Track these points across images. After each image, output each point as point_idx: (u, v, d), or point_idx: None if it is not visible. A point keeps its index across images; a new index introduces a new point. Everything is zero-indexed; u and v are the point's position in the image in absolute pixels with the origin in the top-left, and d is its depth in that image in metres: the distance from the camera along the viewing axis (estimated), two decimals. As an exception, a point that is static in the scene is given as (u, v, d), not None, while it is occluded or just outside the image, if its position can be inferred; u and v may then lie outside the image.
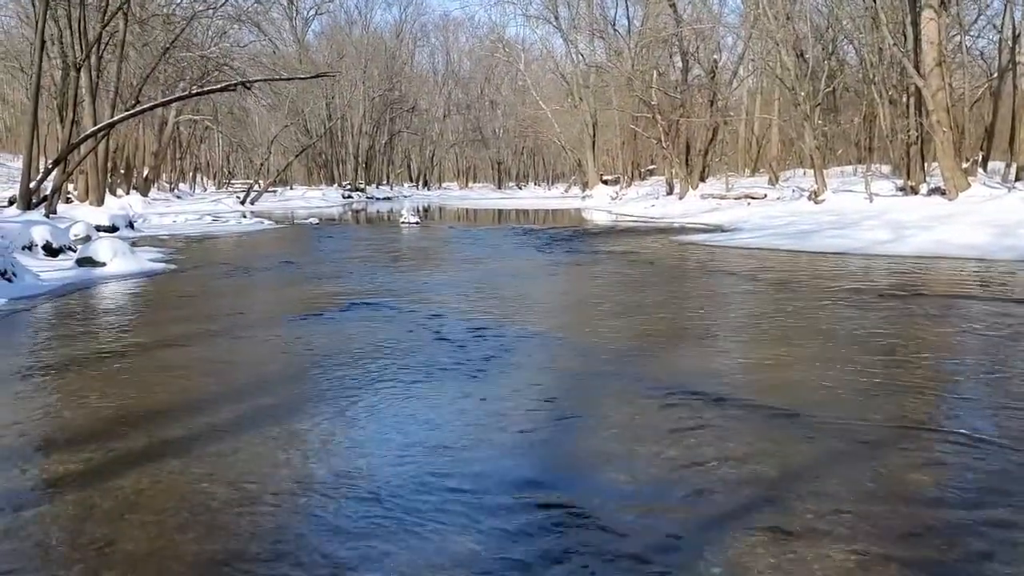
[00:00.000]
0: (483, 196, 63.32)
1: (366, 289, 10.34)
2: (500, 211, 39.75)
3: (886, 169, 28.65)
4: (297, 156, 53.51)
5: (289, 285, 11.44)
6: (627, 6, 43.92)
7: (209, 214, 29.47)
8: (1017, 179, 22.48)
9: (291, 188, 56.48)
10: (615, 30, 44.23)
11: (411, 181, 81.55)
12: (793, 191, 27.24)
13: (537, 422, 4.61)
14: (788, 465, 3.91)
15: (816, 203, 23.70)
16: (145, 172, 38.98)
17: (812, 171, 26.09)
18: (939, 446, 4.19)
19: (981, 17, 30.75)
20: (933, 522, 3.26)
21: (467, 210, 41.85)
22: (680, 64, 37.46)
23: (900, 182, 23.89)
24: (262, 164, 47.72)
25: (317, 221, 29.10)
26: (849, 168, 32.70)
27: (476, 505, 3.45)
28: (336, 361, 6.13)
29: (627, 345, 6.85)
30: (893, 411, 4.78)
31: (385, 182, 72.11)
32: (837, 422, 4.51)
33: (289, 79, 30.43)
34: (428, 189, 77.71)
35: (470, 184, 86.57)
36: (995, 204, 18.25)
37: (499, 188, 77.82)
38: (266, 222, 27.19)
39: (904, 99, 24.82)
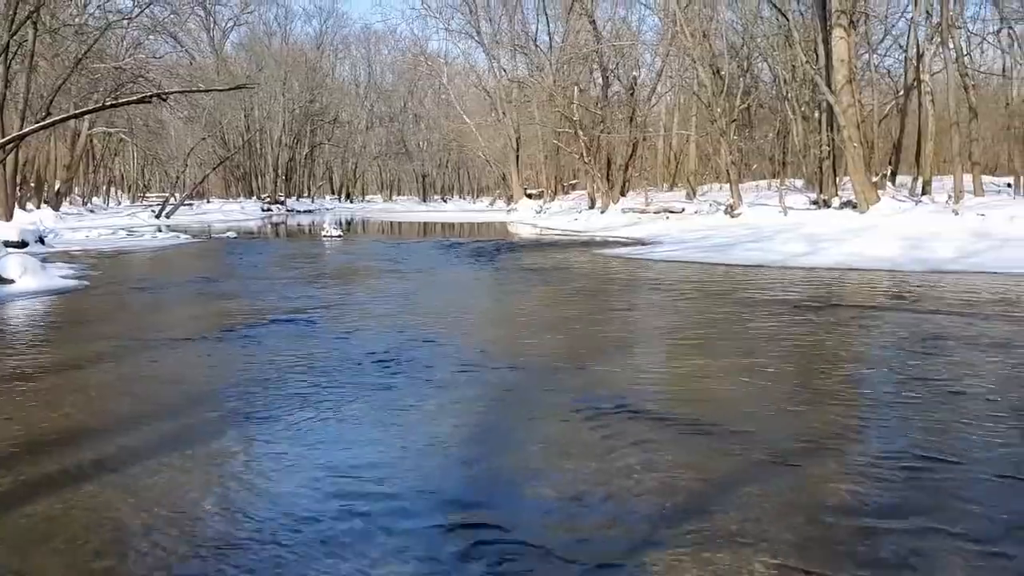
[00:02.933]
0: (407, 209, 63.03)
1: (286, 305, 10.16)
2: (425, 224, 39.62)
3: (799, 183, 29.50)
4: (215, 169, 52.50)
5: (206, 302, 11.17)
6: (548, 22, 44.37)
7: (123, 228, 28.70)
8: (923, 192, 23.39)
9: (208, 201, 55.33)
10: (536, 46, 44.61)
11: (333, 194, 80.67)
12: (710, 205, 27.82)
13: (460, 439, 4.59)
14: (710, 477, 3.97)
15: (733, 217, 24.25)
16: (57, 186, 37.68)
17: (728, 185, 26.70)
18: (856, 457, 4.30)
19: (888, 36, 32.02)
20: (851, 532, 3.34)
21: (391, 223, 41.59)
22: (600, 80, 38.00)
23: (813, 196, 24.63)
24: (178, 177, 46.70)
25: (235, 235, 28.54)
26: (764, 182, 33.59)
27: (398, 528, 3.40)
28: (254, 380, 6.01)
29: (552, 359, 6.87)
30: (811, 422, 4.89)
31: (306, 195, 71.20)
32: (757, 433, 4.59)
33: (206, 91, 29.79)
34: (351, 202, 76.99)
35: (394, 197, 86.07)
36: (904, 217, 18.97)
37: (424, 201, 77.58)
38: (182, 236, 26.56)
39: (816, 115, 25.65)
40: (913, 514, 3.49)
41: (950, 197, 20.19)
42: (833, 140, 23.29)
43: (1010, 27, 25.70)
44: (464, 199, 76.73)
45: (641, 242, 21.49)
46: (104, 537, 3.31)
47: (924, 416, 5.00)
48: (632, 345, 7.64)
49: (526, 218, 39.00)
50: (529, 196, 47.34)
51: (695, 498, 3.69)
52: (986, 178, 25.46)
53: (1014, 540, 3.23)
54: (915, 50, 25.75)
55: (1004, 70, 28.66)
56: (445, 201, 75.81)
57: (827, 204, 22.99)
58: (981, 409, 5.10)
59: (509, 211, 46.24)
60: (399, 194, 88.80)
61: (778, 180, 30.34)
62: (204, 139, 46.51)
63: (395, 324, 8.57)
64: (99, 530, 3.37)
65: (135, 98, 23.31)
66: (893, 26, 31.73)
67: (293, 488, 3.85)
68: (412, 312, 9.63)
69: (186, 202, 44.87)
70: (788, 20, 24.49)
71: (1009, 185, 25.35)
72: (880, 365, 6.62)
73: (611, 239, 23.39)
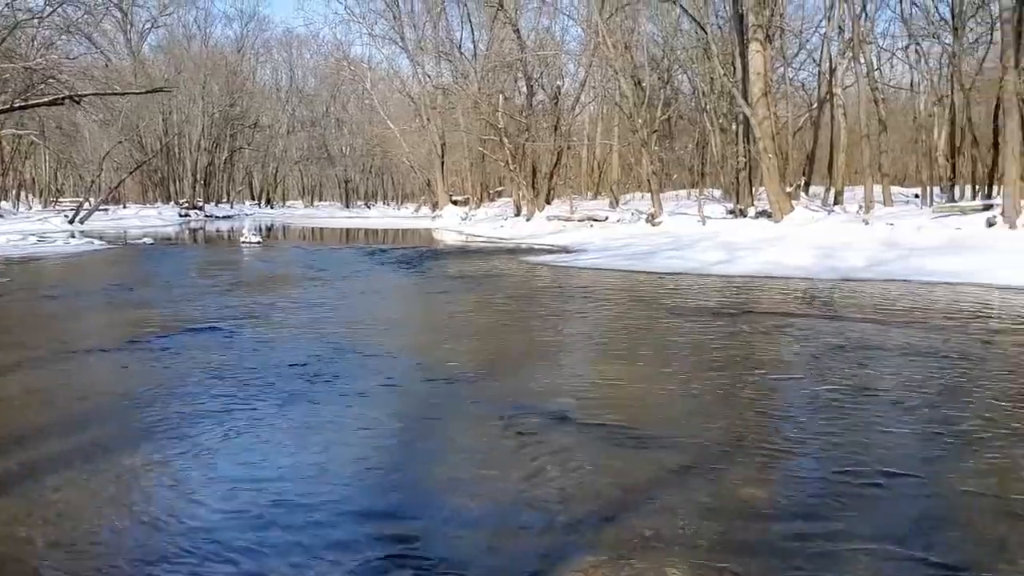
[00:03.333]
0: (330, 215, 62.25)
1: (202, 315, 9.95)
2: (348, 231, 39.21)
3: (718, 193, 30.15)
4: (131, 173, 51.06)
5: (119, 310, 10.86)
6: (472, 30, 44.44)
7: (34, 234, 27.61)
8: (836, 202, 24.15)
9: (124, 206, 53.77)
10: (461, 53, 44.61)
11: (253, 199, 79.17)
12: (632, 214, 28.23)
13: (383, 448, 4.57)
14: (629, 483, 4.03)
15: (654, 225, 24.65)
16: (-40, 189, 36.19)
17: (650, 195, 27.14)
18: (771, 460, 4.42)
19: (802, 51, 33.00)
20: (766, 535, 3.43)
21: (313, 229, 41.05)
22: (525, 89, 38.23)
23: (731, 205, 25.19)
24: (93, 181, 45.22)
25: (152, 241, 27.81)
26: (684, 192, 34.25)
27: (317, 542, 3.37)
28: (167, 392, 5.87)
29: (476, 366, 6.89)
30: (727, 426, 5.01)
31: (225, 200, 69.75)
32: (675, 438, 4.68)
33: (123, 93, 29.08)
34: (271, 207, 75.69)
35: (316, 203, 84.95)
36: (817, 227, 19.56)
37: (347, 207, 76.78)
38: (97, 242, 25.74)
39: (734, 127, 26.26)
40: (829, 517, 3.60)
41: (861, 207, 20.89)
42: (749, 151, 23.90)
43: (917, 43, 26.76)
44: (388, 205, 76.23)
45: (566, 250, 21.66)
46: (5, 556, 3.20)
47: (840, 423, 5.15)
48: (556, 353, 7.70)
49: (451, 225, 38.95)
50: (455, 203, 47.30)
51: (613, 504, 3.74)
52: (895, 189, 26.44)
53: (922, 543, 3.36)
54: (828, 64, 26.60)
55: (912, 85, 29.78)
56: (369, 207, 75.20)
57: (744, 214, 23.55)
58: (889, 411, 5.29)
59: (434, 218, 46.12)
60: (321, 200, 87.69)
61: (697, 190, 30.96)
62: (120, 143, 45.14)
63: (316, 334, 8.47)
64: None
65: (47, 100, 22.49)
66: (807, 41, 32.77)
67: (205, 503, 3.78)
68: (334, 321, 9.52)
69: (101, 207, 43.50)
70: (707, 33, 25.03)
71: (916, 196, 26.37)
72: (794, 370, 6.81)
73: (537, 246, 23.53)
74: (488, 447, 4.62)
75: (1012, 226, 16.27)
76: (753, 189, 24.92)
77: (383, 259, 19.51)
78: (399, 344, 8.01)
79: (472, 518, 3.61)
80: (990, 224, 16.77)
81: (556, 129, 35.59)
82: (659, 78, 31.40)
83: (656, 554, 3.21)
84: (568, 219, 30.43)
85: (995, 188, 20.72)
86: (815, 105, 30.13)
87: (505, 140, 34.82)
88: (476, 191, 47.58)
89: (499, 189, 49.01)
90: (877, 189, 22.09)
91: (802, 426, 5.08)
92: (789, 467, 4.27)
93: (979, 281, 12.56)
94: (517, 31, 37.01)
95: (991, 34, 22.39)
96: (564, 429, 4.87)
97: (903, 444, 4.66)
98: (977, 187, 23.57)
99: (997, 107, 20.17)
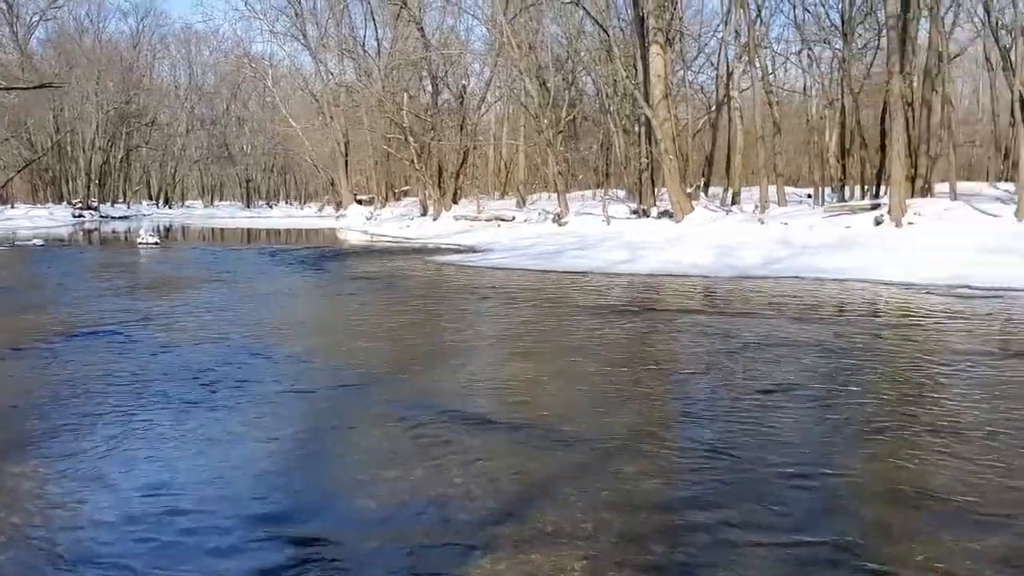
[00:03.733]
0: (230, 215, 60.83)
1: (97, 318, 9.61)
2: (249, 231, 38.40)
3: (622, 194, 30.62)
4: (19, 172, 48.92)
5: (6, 314, 10.41)
6: (376, 28, 44.01)
7: (-90, 236, 26.23)
8: (733, 203, 24.83)
9: (12, 207, 51.37)
10: (364, 51, 44.18)
11: (151, 199, 76.73)
12: (539, 214, 28.46)
13: (283, 451, 4.52)
14: (530, 479, 4.09)
15: (560, 225, 24.93)
16: None
17: (556, 195, 27.40)
18: (668, 454, 4.54)
19: (701, 54, 33.81)
20: (663, 526, 3.53)
21: (213, 230, 40.07)
22: (430, 87, 38.10)
23: (634, 205, 25.63)
24: (-25, 180, 43.16)
25: (43, 242, 26.67)
26: (589, 192, 34.69)
27: (215, 547, 3.32)
28: (56, 400, 5.67)
29: (381, 367, 6.86)
30: (628, 422, 5.13)
31: (122, 200, 67.36)
32: (576, 434, 4.77)
33: (8, 88, 27.78)
34: (170, 207, 73.45)
35: (216, 202, 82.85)
36: (715, 226, 20.11)
37: (248, 207, 75.11)
38: (-20, 244, 24.59)
39: (637, 129, 26.72)
40: (724, 507, 3.73)
41: (757, 207, 21.54)
42: (652, 152, 24.35)
43: (810, 48, 27.78)
44: (291, 205, 74.90)
45: (473, 249, 21.70)
46: None
47: (736, 417, 5.33)
48: (461, 352, 7.73)
49: (356, 225, 38.55)
50: (359, 202, 46.80)
51: (515, 501, 3.79)
52: (789, 189, 27.37)
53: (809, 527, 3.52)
54: (725, 68, 27.31)
55: (805, 88, 30.88)
56: (271, 207, 73.73)
57: (646, 214, 24.00)
58: (784, 403, 5.50)
59: (338, 217, 45.56)
60: (221, 199, 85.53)
61: (602, 190, 31.43)
62: (7, 140, 43.20)
63: (218, 338, 8.28)
64: None
65: (-78, 94, 21.30)
66: (706, 45, 33.60)
67: (99, 512, 3.68)
68: (237, 325, 9.33)
69: (-15, 207, 41.56)
70: (608, 36, 25.42)
71: (809, 196, 27.36)
72: (694, 365, 7.00)
73: (444, 246, 23.51)
74: (390, 447, 4.61)
75: (898, 224, 17.04)
76: (656, 190, 25.42)
77: (287, 260, 19.20)
78: (301, 345, 7.90)
79: (376, 519, 3.61)
80: (878, 223, 17.53)
81: (462, 128, 35.61)
82: (564, 79, 31.72)
83: (557, 547, 3.27)
84: (475, 219, 30.49)
85: (882, 188, 21.64)
86: (713, 108, 30.87)
87: (410, 139, 34.65)
88: (381, 190, 47.16)
89: (405, 188, 48.70)
90: (772, 190, 22.82)
91: (701, 423, 5.23)
92: (686, 462, 4.40)
93: (866, 277, 13.12)
94: (421, 29, 36.85)
95: (878, 40, 23.38)
96: (468, 427, 4.91)
97: (793, 432, 4.86)
98: (866, 187, 24.57)
99: (884, 110, 21.09)
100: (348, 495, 3.87)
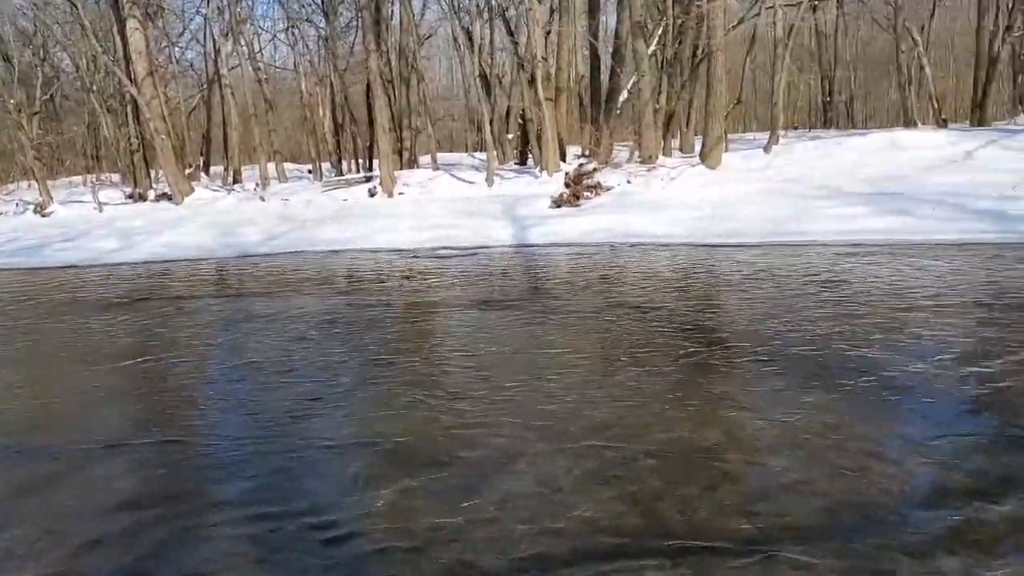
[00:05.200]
0: None
1: None
2: None
3: (116, 178, 28.63)
4: None
5: None
6: None
7: None
8: (235, 181, 24.59)
9: None
10: None
11: None
12: (17, 205, 25.44)
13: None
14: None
15: (44, 216, 22.57)
16: None
17: (36, 183, 24.68)
18: (186, 451, 4.49)
19: (187, 31, 32.55)
20: (130, 523, 3.51)
21: None
22: None
23: (130, 190, 24.13)
24: None
25: None
26: (79, 178, 31.81)
27: None
28: None
29: None
30: (118, 427, 4.94)
31: None
32: (53, 445, 4.50)
33: None
34: None
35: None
36: (218, 205, 19.81)
37: None
38: None
39: (124, 108, 25.07)
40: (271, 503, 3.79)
41: (258, 184, 21.58)
42: (142, 133, 23.05)
43: (295, 26, 28.22)
44: None
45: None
46: None
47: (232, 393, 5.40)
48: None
49: None
50: None
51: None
52: (290, 166, 27.84)
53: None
54: (212, 45, 26.69)
55: (295, 66, 31.35)
56: None
57: (143, 198, 22.70)
58: (272, 377, 5.70)
59: None
60: None
61: (93, 175, 29.05)
62: None
63: None
64: None
65: None
66: (191, 21, 32.40)
67: None
68: None
69: None
70: (78, 8, 23.37)
71: (310, 171, 28.01)
72: (185, 352, 6.91)
73: None
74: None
75: (390, 195, 18.31)
76: (151, 172, 24.16)
77: None
78: None
79: None
80: (372, 194, 18.65)
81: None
82: (34, 55, 28.54)
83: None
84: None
85: (375, 161, 22.97)
86: (205, 85, 30.07)
87: None
88: None
89: None
90: (271, 167, 22.99)
91: (237, 417, 5.24)
92: (158, 457, 4.41)
93: (363, 246, 13.98)
94: None
95: (359, 19, 24.53)
96: None
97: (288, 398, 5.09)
98: (360, 161, 25.87)
99: (368, 88, 22.32)
100: None
